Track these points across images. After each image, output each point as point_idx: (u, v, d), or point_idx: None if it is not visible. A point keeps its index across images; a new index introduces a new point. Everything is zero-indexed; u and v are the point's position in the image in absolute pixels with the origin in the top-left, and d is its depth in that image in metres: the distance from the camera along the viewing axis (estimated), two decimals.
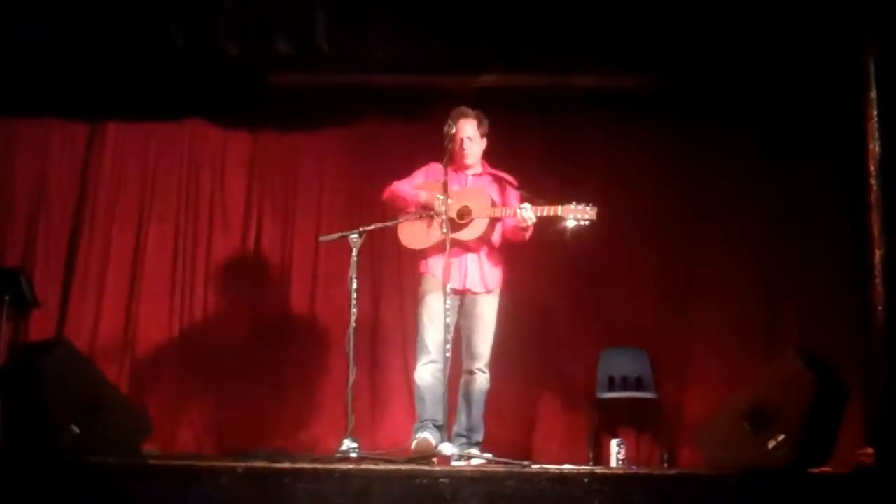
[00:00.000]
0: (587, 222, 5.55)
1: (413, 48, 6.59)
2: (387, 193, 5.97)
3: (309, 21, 6.41)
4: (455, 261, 5.54)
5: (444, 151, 5.60)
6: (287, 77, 7.39)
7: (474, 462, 5.39)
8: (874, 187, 5.16)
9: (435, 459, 5.08)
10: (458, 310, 5.75)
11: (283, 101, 7.67)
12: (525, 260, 6.58)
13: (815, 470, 4.82)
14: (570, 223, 5.56)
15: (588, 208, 5.54)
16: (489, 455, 5.57)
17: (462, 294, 5.74)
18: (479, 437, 5.78)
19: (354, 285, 5.44)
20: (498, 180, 5.97)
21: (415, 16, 6.40)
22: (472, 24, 6.43)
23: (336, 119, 7.76)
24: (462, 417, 5.75)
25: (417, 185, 5.90)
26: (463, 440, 5.69)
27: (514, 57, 6.70)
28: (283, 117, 7.76)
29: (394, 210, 6.02)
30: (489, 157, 6.05)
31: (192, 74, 7.26)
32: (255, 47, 6.53)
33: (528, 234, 5.74)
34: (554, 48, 6.58)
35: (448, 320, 5.32)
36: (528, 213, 5.58)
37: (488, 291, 5.82)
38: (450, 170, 5.73)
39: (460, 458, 5.30)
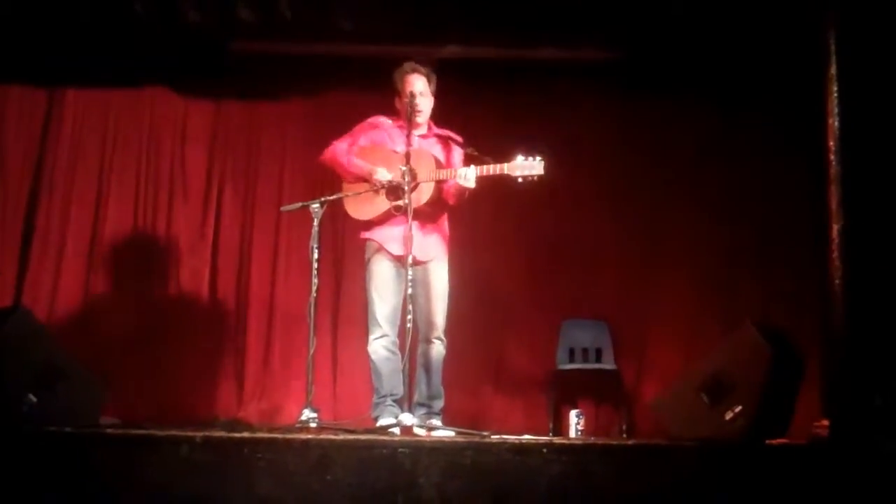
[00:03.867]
0: (535, 178, 5.46)
1: (377, 18, 6.55)
2: (326, 156, 5.90)
3: None
4: (401, 229, 5.42)
5: (403, 113, 5.52)
6: (249, 45, 7.30)
7: (434, 432, 5.41)
8: (833, 162, 5.18)
9: (395, 429, 5.09)
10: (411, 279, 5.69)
11: (246, 70, 7.58)
12: (485, 231, 6.61)
13: (772, 441, 4.88)
14: (519, 179, 5.46)
15: (535, 162, 5.42)
16: (449, 427, 5.58)
17: (412, 264, 5.68)
18: (440, 404, 5.77)
19: (315, 255, 5.40)
20: (443, 140, 5.87)
21: None
22: None
23: (299, 89, 7.71)
24: (422, 387, 5.74)
25: (361, 148, 5.81)
26: (424, 409, 5.69)
27: (477, 29, 6.68)
28: (245, 86, 7.67)
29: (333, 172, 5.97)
30: (450, 125, 5.99)
31: (153, 41, 7.14)
32: (216, 14, 6.46)
33: (467, 194, 5.65)
34: (517, 20, 6.57)
35: (410, 291, 5.29)
36: (471, 174, 5.49)
37: (436, 259, 5.78)
38: (395, 127, 5.70)
39: (420, 427, 5.31)
